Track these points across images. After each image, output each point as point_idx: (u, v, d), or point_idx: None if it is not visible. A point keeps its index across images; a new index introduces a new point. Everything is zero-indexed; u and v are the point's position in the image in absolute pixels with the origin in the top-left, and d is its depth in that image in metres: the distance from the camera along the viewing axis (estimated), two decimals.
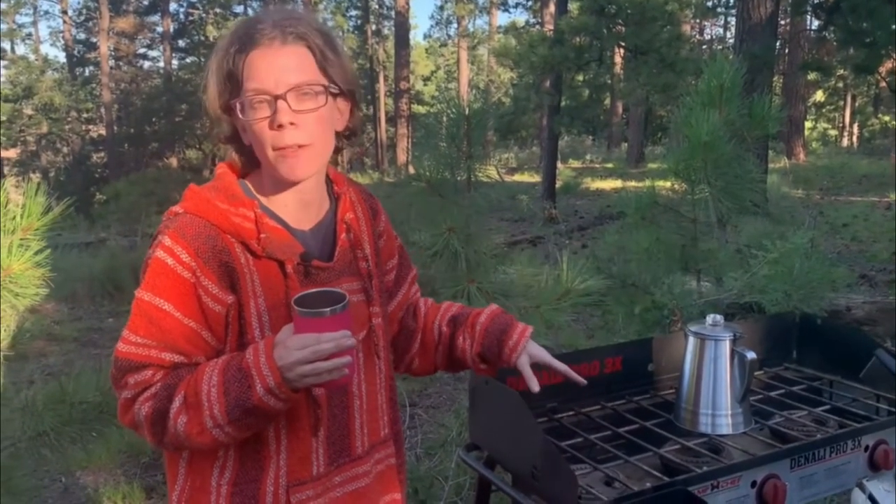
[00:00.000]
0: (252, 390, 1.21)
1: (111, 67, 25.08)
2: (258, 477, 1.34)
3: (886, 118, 29.19)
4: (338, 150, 1.45)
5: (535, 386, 1.55)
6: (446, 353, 1.65)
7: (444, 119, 3.13)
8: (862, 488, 1.90)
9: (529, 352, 1.59)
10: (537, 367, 1.61)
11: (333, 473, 1.40)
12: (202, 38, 27.78)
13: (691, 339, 1.88)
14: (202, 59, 26.67)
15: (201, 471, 1.35)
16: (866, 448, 1.86)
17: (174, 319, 1.27)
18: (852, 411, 1.94)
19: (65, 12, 29.39)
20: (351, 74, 1.40)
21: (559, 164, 17.18)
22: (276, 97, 1.28)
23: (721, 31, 33.71)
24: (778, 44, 14.67)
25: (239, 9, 29.39)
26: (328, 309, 1.20)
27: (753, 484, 1.67)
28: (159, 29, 27.87)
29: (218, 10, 27.94)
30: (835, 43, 11.05)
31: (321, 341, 1.18)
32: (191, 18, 28.71)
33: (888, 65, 11.73)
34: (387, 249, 1.58)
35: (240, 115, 1.31)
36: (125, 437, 3.70)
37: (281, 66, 1.29)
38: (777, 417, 1.92)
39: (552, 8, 17.58)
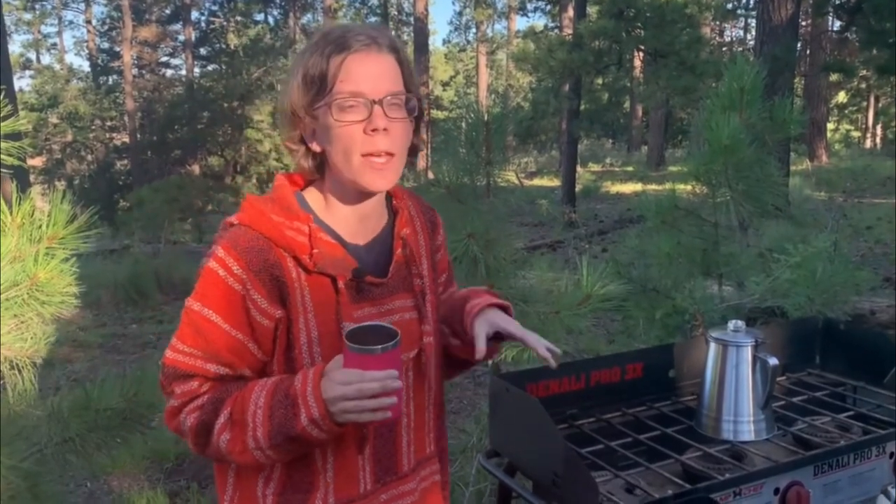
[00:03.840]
0: (296, 419, 1.20)
1: (134, 76, 25.35)
2: (307, 496, 1.33)
3: None
4: None
5: (481, 344, 1.40)
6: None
7: (464, 124, 3.14)
8: (887, 495, 1.88)
9: (490, 320, 1.44)
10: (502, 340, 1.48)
11: (380, 491, 1.39)
12: (223, 46, 27.99)
13: (713, 346, 1.87)
14: (223, 67, 26.89)
15: (248, 480, 1.35)
16: (891, 455, 1.84)
17: (221, 331, 1.26)
18: (877, 417, 1.92)
19: (89, 22, 29.78)
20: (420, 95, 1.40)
21: (579, 168, 17.13)
22: (373, 101, 1.27)
23: (741, 33, 33.51)
24: (799, 45, 14.55)
25: (259, 17, 29.64)
26: (378, 347, 1.17)
27: (776, 491, 1.66)
28: (181, 37, 28.14)
29: (239, 18, 28.15)
30: (857, 44, 10.98)
31: (365, 379, 1.16)
32: (212, 27, 28.94)
33: None
34: (441, 264, 1.56)
35: (331, 117, 1.28)
36: (149, 442, 3.74)
37: (378, 73, 1.29)
38: (800, 424, 1.90)
39: (571, 12, 17.55)
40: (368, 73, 1.28)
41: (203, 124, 23.57)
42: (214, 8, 28.63)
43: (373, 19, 37.17)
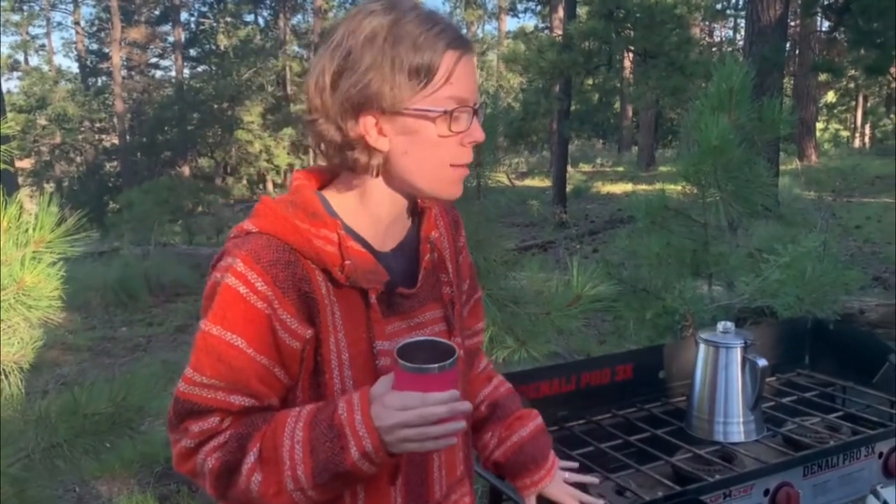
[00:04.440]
0: (345, 453, 1.05)
1: (123, 77, 25.27)
2: None
3: None
4: None
5: None
6: (474, 427, 1.48)
7: None
8: (876, 495, 1.89)
9: (545, 491, 1.45)
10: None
11: None
12: (213, 47, 27.94)
13: (702, 347, 1.88)
14: (213, 68, 26.84)
15: None
16: (880, 455, 1.84)
17: (247, 357, 1.10)
18: (866, 417, 1.93)
19: (77, 23, 29.65)
20: None
21: (570, 169, 17.16)
22: (475, 111, 1.15)
23: (731, 33, 33.61)
24: (788, 45, 14.60)
25: (249, 17, 29.59)
26: (436, 365, 1.03)
27: (766, 492, 1.66)
28: (171, 38, 28.07)
29: (229, 19, 28.10)
30: (845, 44, 11.03)
31: (428, 403, 1.02)
32: (202, 28, 28.88)
33: None
34: (464, 266, 1.40)
35: (431, 123, 1.12)
36: (138, 446, 3.72)
37: (474, 74, 1.16)
38: (790, 424, 1.91)
39: (561, 13, 17.58)
40: (470, 75, 1.14)
41: (193, 126, 23.53)
42: (204, 9, 28.58)
43: None
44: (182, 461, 1.15)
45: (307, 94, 1.16)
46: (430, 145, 1.13)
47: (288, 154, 25.27)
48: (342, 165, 1.17)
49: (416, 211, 1.28)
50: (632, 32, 13.09)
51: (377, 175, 1.15)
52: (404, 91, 1.09)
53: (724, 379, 1.82)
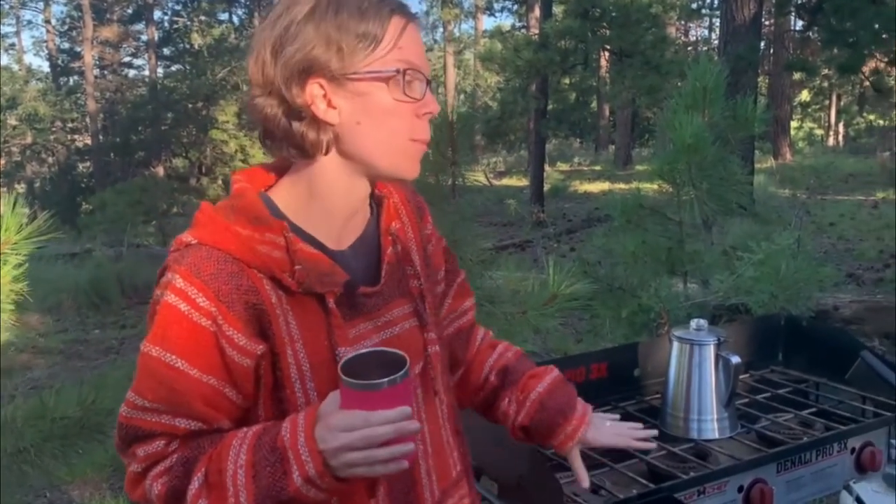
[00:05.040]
0: (288, 477, 0.97)
1: (96, 77, 24.97)
2: None
3: (871, 117, 29.39)
4: None
5: (585, 482, 1.34)
6: (485, 405, 1.41)
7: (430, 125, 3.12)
8: (849, 491, 1.90)
9: (584, 438, 1.35)
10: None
11: None
12: (187, 46, 27.68)
13: (676, 344, 1.88)
14: (187, 68, 26.60)
15: None
16: (853, 450, 1.86)
17: (190, 379, 1.02)
18: (839, 413, 1.94)
19: (48, 22, 29.28)
20: None
21: (547, 168, 17.20)
22: (428, 82, 1.08)
23: (706, 32, 33.88)
24: (763, 44, 14.75)
25: (224, 16, 29.37)
26: (385, 380, 0.94)
27: (740, 489, 1.66)
28: (144, 37, 27.76)
29: (203, 18, 27.86)
30: (819, 43, 11.14)
31: (373, 423, 0.94)
32: (175, 27, 28.61)
33: (871, 64, 11.83)
34: (436, 255, 1.30)
35: (385, 89, 1.05)
36: (109, 451, 3.66)
37: (424, 51, 1.10)
38: (763, 421, 1.92)
39: (537, 12, 17.62)
40: (422, 49, 1.08)
41: (167, 125, 23.30)
42: (178, 7, 28.30)
43: None
44: (132, 487, 1.09)
45: (249, 73, 1.07)
46: (384, 112, 1.05)
47: (264, 154, 25.07)
48: (289, 152, 1.07)
49: (375, 202, 1.20)
50: (607, 31, 13.14)
51: (326, 152, 1.06)
52: (352, 54, 1.02)
53: (698, 376, 1.83)
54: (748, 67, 9.40)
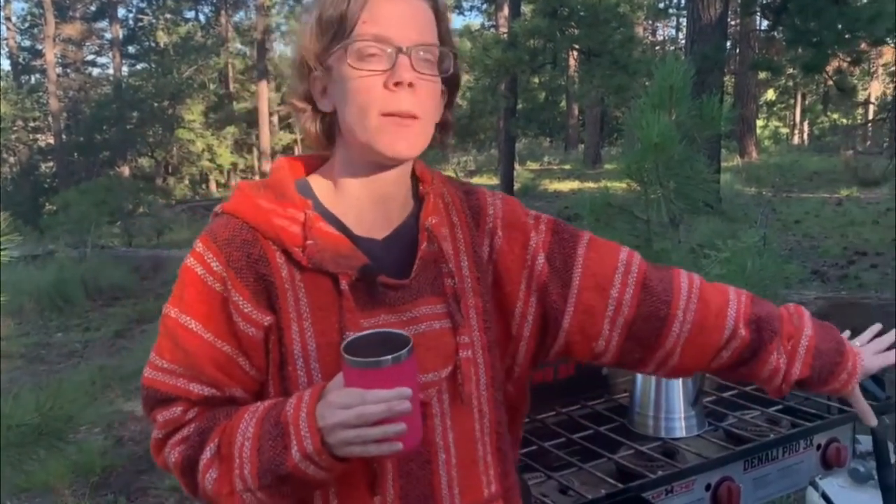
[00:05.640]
0: (287, 453, 0.97)
1: (58, 75, 24.55)
2: None
3: (835, 115, 29.89)
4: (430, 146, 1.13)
5: (872, 420, 1.28)
6: (737, 362, 1.24)
7: None
8: (815, 487, 1.91)
9: (865, 370, 1.26)
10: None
11: None
12: (153, 44, 27.36)
13: None
14: (153, 66, 26.29)
15: None
16: (819, 447, 1.87)
17: (202, 341, 1.04)
18: (804, 410, 1.95)
19: (8, 19, 28.70)
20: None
21: (517, 167, 17.24)
22: (399, 50, 1.03)
23: (674, 32, 34.21)
24: (728, 44, 14.89)
25: (190, 14, 29.06)
26: (387, 358, 0.93)
27: (708, 487, 1.67)
28: (108, 35, 27.36)
29: (169, 16, 27.56)
30: (783, 43, 11.27)
31: (367, 401, 0.92)
32: (140, 24, 28.26)
33: (835, 64, 12.00)
34: (514, 239, 1.20)
35: (346, 65, 1.04)
36: (73, 455, 3.60)
37: (409, 17, 1.05)
38: (730, 419, 1.93)
39: (506, 11, 17.66)
40: (397, 16, 1.05)
41: (132, 125, 22.99)
42: (143, 5, 27.96)
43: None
44: (156, 452, 1.12)
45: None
46: (351, 91, 1.04)
47: (231, 153, 24.88)
48: (320, 144, 1.14)
49: (419, 197, 1.17)
50: (576, 31, 13.19)
51: (327, 141, 1.12)
52: (326, 37, 1.06)
53: None
54: (714, 67, 9.49)
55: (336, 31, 1.05)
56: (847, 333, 1.31)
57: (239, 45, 29.33)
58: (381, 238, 1.12)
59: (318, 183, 1.13)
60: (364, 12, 1.04)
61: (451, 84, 1.16)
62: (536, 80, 19.43)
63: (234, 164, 25.40)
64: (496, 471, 1.16)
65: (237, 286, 1.04)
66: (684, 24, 17.22)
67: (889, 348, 1.29)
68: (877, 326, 1.32)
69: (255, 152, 25.81)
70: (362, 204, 1.11)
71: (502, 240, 1.20)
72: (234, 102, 26.29)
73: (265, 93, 23.72)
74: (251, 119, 25.30)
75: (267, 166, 27.36)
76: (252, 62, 27.01)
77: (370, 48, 1.03)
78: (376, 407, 0.92)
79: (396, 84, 1.03)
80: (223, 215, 1.09)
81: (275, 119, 25.80)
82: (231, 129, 24.78)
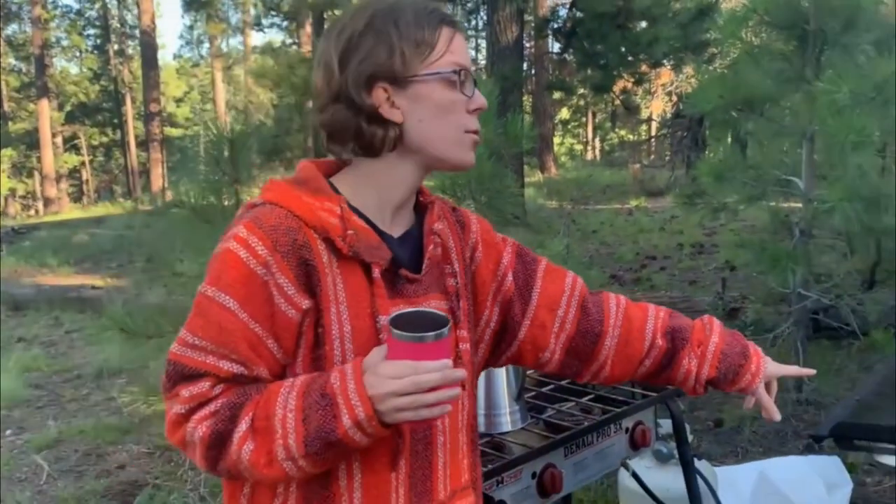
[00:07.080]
0: (337, 420, 1.03)
1: None
2: None
3: (622, 132, 32.32)
4: None
5: (776, 415, 1.39)
6: (657, 369, 1.41)
7: (202, 142, 3.04)
8: (626, 467, 2.10)
9: (767, 372, 1.40)
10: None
11: None
12: None
13: None
14: None
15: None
16: (627, 430, 2.06)
17: (238, 320, 1.09)
18: (613, 398, 2.14)
19: None
20: None
21: None
22: (473, 81, 1.22)
23: (474, 53, 35.59)
24: (525, 65, 15.71)
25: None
26: (432, 333, 1.02)
27: (534, 475, 1.79)
28: None
29: None
30: (574, 64, 12.04)
31: (420, 371, 1.01)
32: None
33: (621, 84, 13.02)
34: (489, 256, 1.36)
35: (445, 87, 1.17)
36: None
37: (469, 55, 1.23)
38: (550, 410, 2.07)
39: (309, 29, 17.62)
40: (465, 49, 1.22)
41: None
42: None
43: (91, 32, 34.69)
44: (173, 429, 1.12)
45: (316, 87, 1.22)
46: (443, 110, 1.18)
47: (8, 178, 22.96)
48: (356, 151, 1.19)
49: (420, 208, 1.28)
50: None
51: (393, 149, 1.18)
52: (412, 59, 1.15)
53: (490, 373, 1.94)
54: (514, 87, 9.98)
55: (426, 51, 1.16)
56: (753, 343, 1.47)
57: (13, 61, 27.20)
58: (397, 236, 1.22)
59: (342, 184, 1.21)
60: (452, 45, 1.18)
61: None
62: None
63: (12, 190, 23.45)
64: (468, 461, 1.29)
65: (283, 269, 1.09)
66: (483, 45, 17.96)
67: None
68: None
69: (37, 176, 23.97)
70: (389, 205, 1.21)
71: (482, 255, 1.35)
72: (10, 122, 24.30)
73: (46, 112, 22.13)
74: (31, 140, 23.48)
75: (51, 190, 25.32)
76: (30, 79, 25.15)
77: (454, 76, 1.18)
78: (432, 375, 1.01)
79: (476, 110, 1.21)
80: (266, 205, 1.14)
81: (59, 140, 24.11)
82: (7, 152, 22.86)
